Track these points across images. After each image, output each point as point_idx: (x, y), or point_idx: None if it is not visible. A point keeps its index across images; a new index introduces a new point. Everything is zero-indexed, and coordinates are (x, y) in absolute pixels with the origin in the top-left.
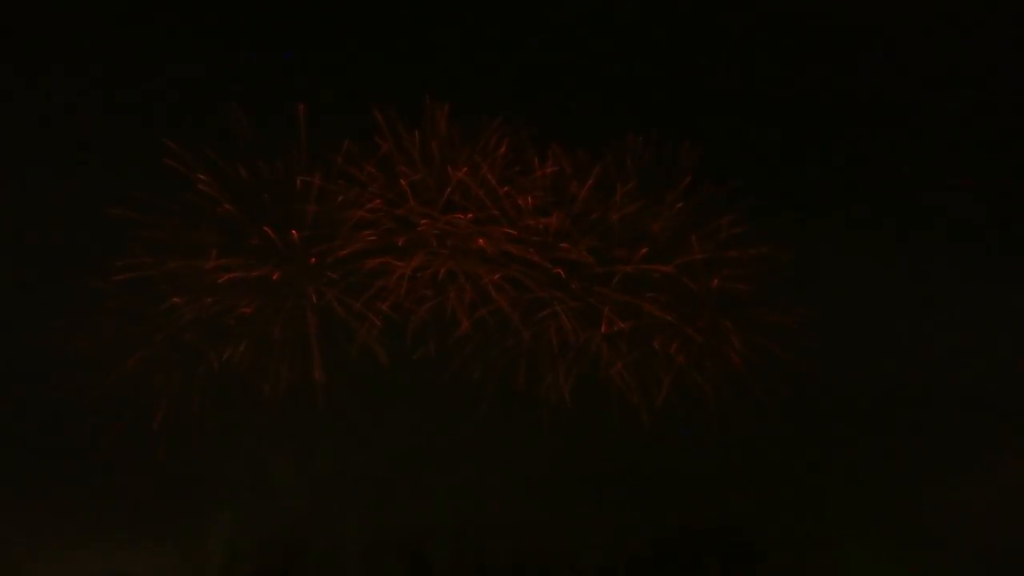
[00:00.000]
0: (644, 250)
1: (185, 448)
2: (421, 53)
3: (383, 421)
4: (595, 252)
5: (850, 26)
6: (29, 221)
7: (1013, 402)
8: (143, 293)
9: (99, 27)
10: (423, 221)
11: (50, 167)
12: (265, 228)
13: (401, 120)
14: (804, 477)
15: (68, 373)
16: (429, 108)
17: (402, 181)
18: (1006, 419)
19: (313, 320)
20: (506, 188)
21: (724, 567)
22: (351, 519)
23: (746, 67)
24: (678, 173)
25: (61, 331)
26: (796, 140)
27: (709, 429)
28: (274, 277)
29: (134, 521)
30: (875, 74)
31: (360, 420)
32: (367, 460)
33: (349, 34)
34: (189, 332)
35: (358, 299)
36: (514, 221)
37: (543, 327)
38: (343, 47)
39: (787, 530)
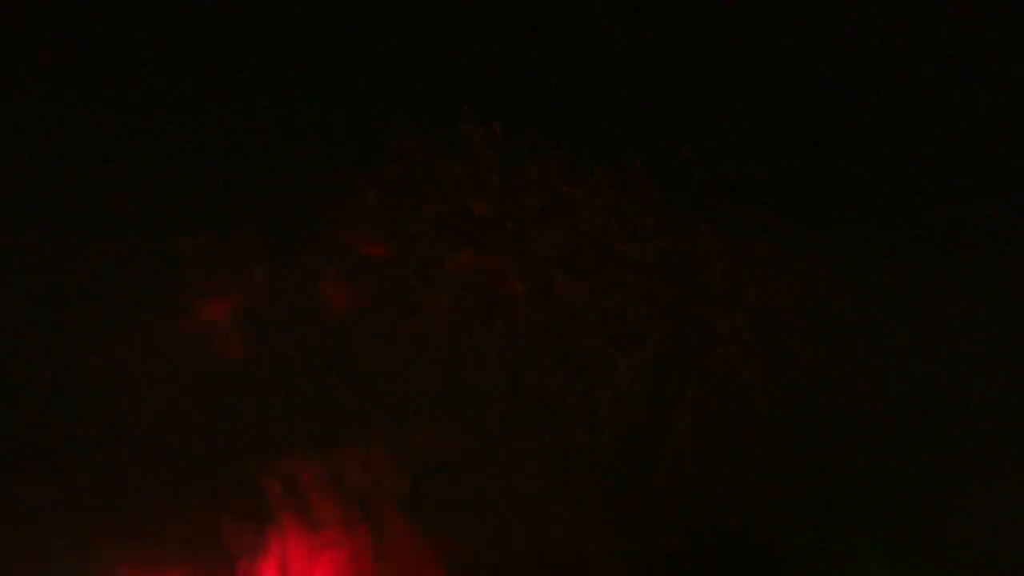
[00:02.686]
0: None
1: (224, 462)
2: (452, 72)
3: (409, 435)
4: (622, 287)
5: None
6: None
7: None
8: (184, 312)
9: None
10: (450, 258)
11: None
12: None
13: (430, 146)
14: (819, 488)
15: (106, 391)
16: (462, 135)
17: (427, 219)
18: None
19: (344, 349)
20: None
21: None
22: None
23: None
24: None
25: (106, 346)
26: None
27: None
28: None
29: (180, 534)
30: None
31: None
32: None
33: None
34: (223, 358)
35: (386, 329)
36: (543, 265)
37: (565, 354)
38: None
39: (800, 540)
